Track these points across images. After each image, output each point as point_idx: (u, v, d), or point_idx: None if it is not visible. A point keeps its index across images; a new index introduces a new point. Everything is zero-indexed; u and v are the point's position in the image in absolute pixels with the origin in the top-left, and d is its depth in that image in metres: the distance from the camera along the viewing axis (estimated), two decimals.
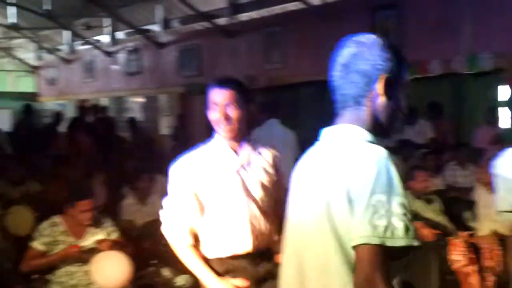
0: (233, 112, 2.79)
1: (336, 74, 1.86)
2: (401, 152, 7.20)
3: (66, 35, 15.49)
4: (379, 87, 1.81)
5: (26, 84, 17.75)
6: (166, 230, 2.89)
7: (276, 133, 6.32)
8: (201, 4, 11.17)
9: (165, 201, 2.91)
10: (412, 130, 8.01)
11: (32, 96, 16.94)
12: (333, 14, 9.18)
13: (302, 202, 1.86)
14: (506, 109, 8.06)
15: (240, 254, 2.83)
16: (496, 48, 7.33)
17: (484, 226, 5.56)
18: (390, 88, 1.81)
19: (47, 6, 12.87)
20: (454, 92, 8.54)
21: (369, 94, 1.82)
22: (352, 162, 1.70)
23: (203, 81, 11.20)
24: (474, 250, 5.41)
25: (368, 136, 1.79)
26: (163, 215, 2.91)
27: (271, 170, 2.93)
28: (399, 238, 1.62)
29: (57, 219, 4.46)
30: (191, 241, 2.84)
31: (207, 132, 2.98)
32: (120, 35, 14.10)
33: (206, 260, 2.84)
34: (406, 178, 5.70)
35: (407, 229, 1.63)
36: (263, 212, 2.87)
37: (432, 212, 5.72)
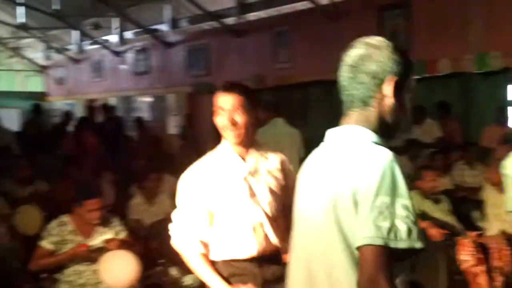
0: (240, 118, 2.78)
1: (344, 75, 1.86)
2: (408, 151, 7.20)
3: (75, 34, 15.52)
4: (389, 89, 1.82)
5: (34, 84, 17.80)
6: (177, 240, 2.88)
7: (281, 132, 6.33)
8: (209, 3, 11.17)
9: (174, 214, 2.91)
10: (419, 129, 8.00)
11: (41, 95, 16.98)
12: (341, 13, 9.16)
13: (309, 203, 1.87)
14: None
15: (246, 258, 2.83)
16: (505, 47, 7.29)
17: (493, 226, 5.54)
18: (397, 90, 1.83)
19: (55, 6, 12.90)
20: (462, 91, 8.50)
21: (377, 96, 1.82)
22: (359, 164, 1.71)
23: (211, 81, 11.24)
24: (483, 250, 5.39)
25: (374, 137, 1.80)
26: (173, 227, 2.90)
27: (279, 176, 2.92)
28: (401, 240, 1.63)
29: (65, 218, 4.48)
30: (202, 249, 2.84)
31: (215, 132, 2.98)
32: (128, 34, 14.11)
33: (213, 263, 2.84)
34: (414, 177, 5.69)
35: (409, 231, 1.64)
36: (270, 217, 2.86)
37: (440, 212, 5.71)
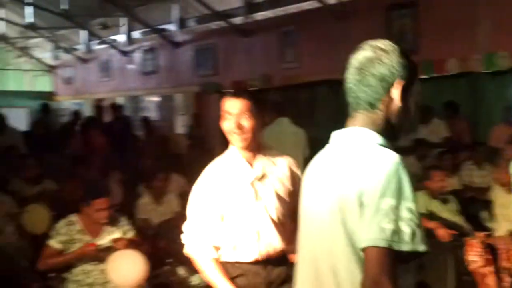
0: (247, 122, 2.78)
1: (351, 77, 1.86)
2: (416, 151, 7.18)
3: (83, 34, 15.56)
4: (396, 92, 1.82)
5: (43, 84, 17.86)
6: (191, 247, 2.89)
7: (285, 131, 6.33)
8: (216, 3, 11.18)
9: (186, 224, 2.91)
10: (426, 129, 7.97)
11: (49, 95, 17.04)
12: (349, 13, 9.15)
13: (315, 204, 1.88)
14: None
15: (250, 261, 2.84)
16: None
17: (501, 227, 5.52)
18: (404, 94, 1.84)
19: (64, 5, 12.94)
20: (471, 91, 8.47)
21: (384, 98, 1.83)
22: (365, 166, 1.72)
23: (218, 80, 11.24)
24: (491, 250, 5.37)
25: (380, 139, 1.81)
26: (185, 235, 2.91)
27: (286, 181, 2.93)
28: (405, 243, 1.64)
29: (73, 217, 4.49)
30: (215, 254, 2.85)
31: (222, 136, 2.98)
32: (136, 34, 14.13)
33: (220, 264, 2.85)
34: (423, 177, 5.68)
35: (413, 234, 1.65)
36: (276, 222, 2.86)
37: (449, 212, 5.69)
